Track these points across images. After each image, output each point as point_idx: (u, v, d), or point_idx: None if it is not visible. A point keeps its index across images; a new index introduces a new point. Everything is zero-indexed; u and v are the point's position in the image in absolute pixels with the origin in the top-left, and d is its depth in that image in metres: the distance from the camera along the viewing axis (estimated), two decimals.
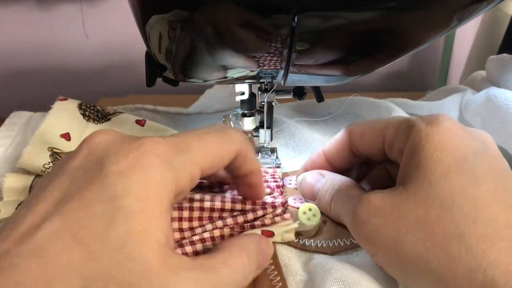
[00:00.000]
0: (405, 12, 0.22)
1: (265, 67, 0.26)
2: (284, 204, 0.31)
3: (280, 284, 0.26)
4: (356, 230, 0.26)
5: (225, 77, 0.28)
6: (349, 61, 0.26)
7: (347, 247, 0.29)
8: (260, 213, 0.29)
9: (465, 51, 0.85)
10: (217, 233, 0.26)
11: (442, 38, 0.86)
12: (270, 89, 0.33)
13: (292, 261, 0.28)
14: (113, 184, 0.20)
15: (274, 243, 0.29)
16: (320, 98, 0.35)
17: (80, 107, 0.38)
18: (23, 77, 0.99)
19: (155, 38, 0.25)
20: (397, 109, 0.44)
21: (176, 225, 0.27)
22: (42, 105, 0.37)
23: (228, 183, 0.32)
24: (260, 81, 0.31)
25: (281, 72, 0.27)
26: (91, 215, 0.19)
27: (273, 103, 0.35)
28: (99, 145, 0.22)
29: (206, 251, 0.26)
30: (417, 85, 1.06)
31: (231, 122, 0.36)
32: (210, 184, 0.32)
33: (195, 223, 0.27)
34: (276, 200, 0.31)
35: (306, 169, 0.34)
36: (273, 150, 0.38)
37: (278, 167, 0.37)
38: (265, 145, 0.37)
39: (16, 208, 0.32)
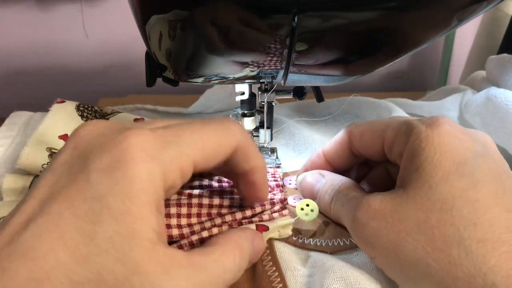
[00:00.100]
0: (405, 12, 0.22)
1: (265, 67, 0.26)
2: (283, 201, 0.31)
3: (278, 279, 0.26)
4: (355, 233, 0.26)
5: (225, 77, 0.28)
6: (349, 61, 0.26)
7: (346, 247, 0.29)
8: (258, 209, 0.29)
9: (465, 51, 0.85)
10: (215, 230, 0.26)
11: (442, 38, 0.86)
12: (270, 89, 0.33)
13: (291, 257, 0.28)
14: (96, 182, 0.19)
15: (272, 239, 0.29)
16: (320, 98, 0.35)
17: (78, 108, 0.38)
18: (23, 77, 0.99)
19: (155, 38, 0.25)
20: (397, 109, 0.44)
21: (174, 221, 0.27)
22: (42, 105, 0.37)
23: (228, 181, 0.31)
24: (260, 81, 0.31)
25: (281, 72, 0.27)
26: (77, 215, 0.18)
27: (273, 103, 0.35)
28: (83, 138, 0.21)
29: None
30: (417, 85, 1.06)
31: None
32: (209, 183, 0.32)
33: (194, 220, 0.27)
34: (275, 197, 0.31)
35: (306, 170, 0.34)
36: (273, 150, 0.38)
37: (278, 167, 0.37)
38: (265, 145, 0.37)
39: None
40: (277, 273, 0.27)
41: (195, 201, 0.28)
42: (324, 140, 0.41)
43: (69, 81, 0.99)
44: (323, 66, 0.26)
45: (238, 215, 0.28)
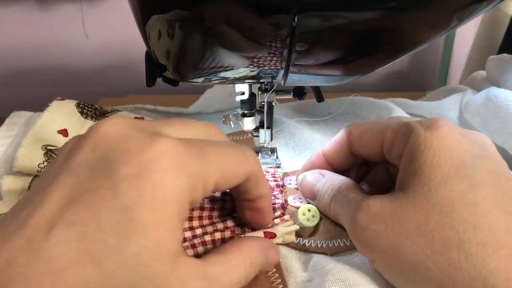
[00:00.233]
0: (405, 12, 0.22)
1: (265, 67, 0.26)
2: (284, 205, 0.31)
3: (281, 286, 0.26)
4: (355, 235, 0.26)
5: (225, 77, 0.28)
6: (349, 61, 0.26)
7: (347, 247, 0.29)
8: None
9: (465, 51, 0.85)
10: (218, 235, 0.26)
11: (442, 38, 0.86)
12: (270, 89, 0.33)
13: (292, 262, 0.28)
14: (123, 191, 0.18)
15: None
16: (320, 98, 0.35)
17: (78, 105, 0.38)
18: (23, 77, 0.99)
19: (155, 38, 0.25)
20: (397, 109, 0.44)
21: None
22: (42, 105, 0.38)
23: None
24: (260, 81, 0.31)
25: (281, 72, 0.27)
26: (101, 227, 0.17)
27: (273, 103, 0.35)
28: (105, 137, 0.20)
29: (206, 253, 0.26)
30: (417, 85, 1.06)
31: (231, 122, 0.36)
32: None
33: (195, 223, 0.27)
34: (276, 201, 0.31)
35: (305, 170, 0.34)
36: (273, 150, 0.38)
37: (278, 167, 0.37)
38: (265, 145, 0.37)
39: None
40: (279, 280, 0.27)
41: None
42: (324, 140, 0.41)
43: (69, 81, 0.99)
44: (323, 66, 0.26)
45: (240, 220, 0.28)
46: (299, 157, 0.40)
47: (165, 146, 0.19)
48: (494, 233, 0.21)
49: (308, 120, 0.46)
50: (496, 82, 0.47)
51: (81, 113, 0.38)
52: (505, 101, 0.39)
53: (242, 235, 0.27)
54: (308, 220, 0.30)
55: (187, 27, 0.23)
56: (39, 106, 0.44)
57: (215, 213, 0.28)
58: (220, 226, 0.27)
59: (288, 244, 0.29)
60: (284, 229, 0.29)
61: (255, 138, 0.43)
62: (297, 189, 0.34)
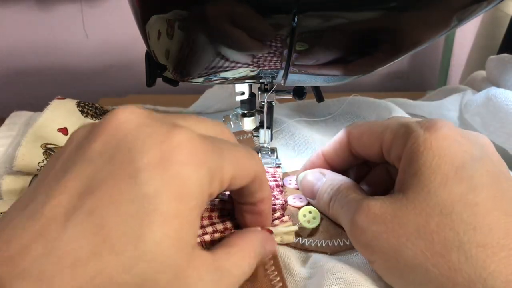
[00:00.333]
0: (405, 12, 0.22)
1: (265, 67, 0.26)
2: (284, 205, 0.31)
3: (280, 284, 0.26)
4: (355, 237, 0.26)
5: (225, 77, 0.28)
6: (349, 61, 0.26)
7: (346, 247, 0.29)
8: None
9: (465, 51, 0.85)
10: (217, 236, 0.27)
11: (442, 38, 0.86)
12: (270, 89, 0.33)
13: (291, 260, 0.28)
14: (144, 180, 0.18)
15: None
16: (320, 98, 0.35)
17: (78, 104, 0.38)
18: (23, 77, 0.99)
19: (155, 38, 0.25)
20: (397, 109, 0.44)
21: None
22: (42, 105, 0.38)
23: None
24: (260, 81, 0.31)
25: (281, 72, 0.27)
26: (122, 217, 0.17)
27: (273, 103, 0.35)
28: (122, 126, 0.19)
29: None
30: (417, 85, 1.06)
31: (231, 122, 0.36)
32: None
33: None
34: (276, 202, 0.31)
35: (305, 170, 0.34)
36: (273, 150, 0.38)
37: (278, 167, 0.37)
38: (265, 145, 0.37)
39: None
40: (279, 278, 0.27)
41: None
42: (324, 140, 0.41)
43: (69, 81, 0.99)
44: (323, 66, 0.26)
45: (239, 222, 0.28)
46: (299, 157, 0.40)
47: (186, 137, 0.19)
48: (494, 235, 0.21)
49: (308, 120, 0.46)
50: (496, 82, 0.47)
51: (82, 112, 0.38)
52: (505, 101, 0.39)
53: None
54: (308, 221, 0.30)
55: (187, 27, 0.23)
56: (39, 106, 0.44)
57: (214, 214, 0.28)
58: (220, 227, 0.27)
59: (287, 244, 0.29)
60: (283, 229, 0.29)
61: (255, 138, 0.43)
62: (297, 189, 0.34)
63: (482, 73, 0.53)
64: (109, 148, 0.19)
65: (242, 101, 0.35)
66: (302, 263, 0.29)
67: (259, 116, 0.36)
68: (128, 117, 0.20)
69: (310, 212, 0.30)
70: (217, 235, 0.27)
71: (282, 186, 0.34)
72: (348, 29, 0.22)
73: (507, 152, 0.40)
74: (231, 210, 0.28)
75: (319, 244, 0.29)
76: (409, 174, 0.24)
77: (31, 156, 0.34)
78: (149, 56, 0.29)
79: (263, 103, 0.34)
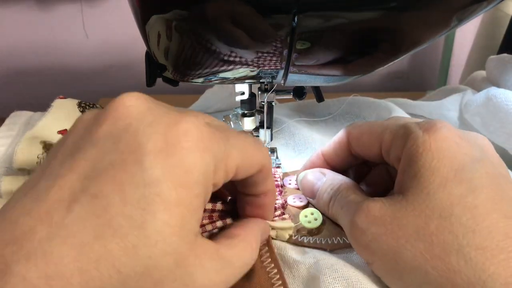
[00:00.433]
0: (405, 12, 0.22)
1: (265, 67, 0.26)
2: (284, 205, 0.31)
3: (278, 276, 0.26)
4: (354, 238, 0.26)
5: (225, 77, 0.28)
6: (349, 61, 0.26)
7: (346, 245, 0.29)
8: None
9: (465, 51, 0.85)
10: (216, 231, 0.26)
11: (442, 38, 0.86)
12: (270, 89, 0.33)
13: (287, 252, 0.28)
14: (150, 166, 0.17)
15: (269, 236, 0.29)
16: (320, 98, 0.35)
17: (79, 105, 0.38)
18: (23, 77, 0.99)
19: (155, 38, 0.25)
20: (397, 109, 0.44)
21: None
22: (42, 105, 0.38)
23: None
24: (260, 81, 0.31)
25: (281, 72, 0.27)
26: (127, 201, 0.17)
27: (273, 103, 0.35)
28: (129, 109, 0.19)
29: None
30: (417, 85, 1.06)
31: (231, 122, 0.36)
32: None
33: None
34: (276, 202, 0.31)
35: (305, 170, 0.34)
36: (273, 150, 0.38)
37: (278, 167, 0.37)
38: (265, 145, 0.37)
39: None
40: (276, 270, 0.27)
41: None
42: (324, 140, 0.41)
43: (69, 81, 0.99)
44: (323, 66, 0.26)
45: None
46: (299, 157, 0.40)
47: (193, 125, 0.19)
48: (493, 237, 0.21)
49: (308, 120, 0.46)
50: (496, 82, 0.47)
51: (82, 112, 0.38)
52: (505, 101, 0.39)
53: None
54: (309, 221, 0.30)
55: (187, 27, 0.23)
56: (39, 106, 0.44)
57: (215, 214, 0.28)
58: (219, 223, 0.27)
59: (287, 241, 0.29)
60: (281, 224, 0.29)
61: None
62: (297, 189, 0.34)
63: (482, 73, 0.53)
64: (116, 132, 0.19)
65: (242, 101, 0.35)
66: (301, 256, 0.28)
67: (259, 116, 0.36)
68: (134, 102, 0.20)
69: (312, 213, 0.30)
70: (215, 231, 0.27)
71: (282, 186, 0.34)
72: (348, 29, 0.22)
73: (507, 152, 0.40)
74: (232, 211, 0.28)
75: (318, 241, 0.29)
76: (408, 176, 0.24)
77: (30, 150, 0.34)
78: (149, 56, 0.29)
79: (263, 103, 0.34)
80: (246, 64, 0.25)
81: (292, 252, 0.28)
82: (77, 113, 0.38)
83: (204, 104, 0.50)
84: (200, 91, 0.50)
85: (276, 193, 0.32)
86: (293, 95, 0.34)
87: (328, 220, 0.30)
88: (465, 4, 0.22)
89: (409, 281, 0.23)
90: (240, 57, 0.24)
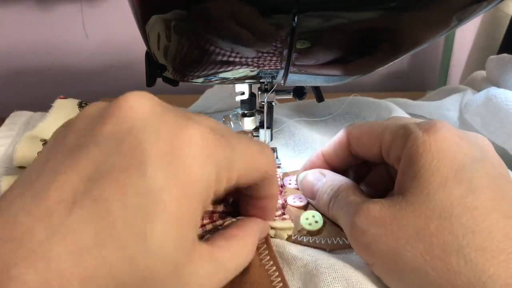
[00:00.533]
0: (405, 12, 0.22)
1: (265, 67, 0.26)
2: (284, 205, 0.31)
3: (277, 273, 0.26)
4: (354, 239, 0.26)
5: (225, 77, 0.28)
6: (349, 61, 0.26)
7: (346, 245, 0.29)
8: None
9: (465, 51, 0.85)
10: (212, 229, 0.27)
11: (442, 38, 0.86)
12: (270, 89, 0.33)
13: (287, 250, 0.28)
14: (152, 173, 0.17)
15: (268, 235, 0.29)
16: (320, 98, 0.35)
17: (80, 105, 0.38)
18: (23, 77, 0.99)
19: (155, 38, 0.25)
20: (397, 109, 0.44)
21: None
22: (42, 105, 0.38)
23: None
24: (260, 81, 0.31)
25: (281, 72, 0.27)
26: (128, 208, 0.17)
27: (273, 103, 0.35)
28: (134, 111, 0.19)
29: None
30: (417, 85, 1.06)
31: (231, 122, 0.36)
32: None
33: None
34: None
35: (305, 170, 0.34)
36: (273, 150, 0.38)
37: (278, 167, 0.37)
38: None
39: None
40: (274, 267, 0.26)
41: None
42: (324, 140, 0.41)
43: (69, 81, 0.99)
44: (323, 66, 0.26)
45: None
46: (299, 157, 0.40)
47: (198, 132, 0.19)
48: (493, 238, 0.21)
49: (308, 120, 0.46)
50: (496, 82, 0.47)
51: None
52: (505, 101, 0.39)
53: None
54: (310, 224, 0.30)
55: (187, 27, 0.23)
56: (39, 106, 0.44)
57: (216, 214, 0.28)
58: (219, 222, 0.27)
59: (286, 240, 0.29)
60: (280, 224, 0.29)
61: (255, 138, 0.43)
62: (297, 189, 0.34)
63: (482, 73, 0.53)
64: (119, 133, 0.18)
65: (242, 101, 0.35)
66: (300, 253, 0.28)
67: (259, 116, 0.36)
68: (141, 103, 0.19)
69: (313, 216, 0.30)
70: (215, 229, 0.27)
71: (282, 186, 0.34)
72: (348, 29, 0.22)
73: (507, 152, 0.40)
74: (233, 212, 0.28)
75: (317, 241, 0.29)
76: (408, 176, 0.24)
77: (30, 148, 0.34)
78: (149, 56, 0.29)
79: (263, 103, 0.34)
80: (246, 64, 0.25)
81: (290, 248, 0.28)
82: (77, 113, 0.38)
83: (204, 104, 0.50)
84: (200, 91, 0.50)
85: None
86: (293, 95, 0.34)
87: (328, 221, 0.30)
88: (465, 4, 0.22)
89: (409, 282, 0.23)
90: (240, 57, 0.24)
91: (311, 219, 0.30)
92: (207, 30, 0.22)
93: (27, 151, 0.34)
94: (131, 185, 0.17)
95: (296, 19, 0.21)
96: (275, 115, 0.39)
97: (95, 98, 0.73)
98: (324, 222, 0.30)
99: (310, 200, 0.32)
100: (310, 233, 0.30)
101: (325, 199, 0.30)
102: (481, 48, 0.78)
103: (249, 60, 0.25)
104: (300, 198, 0.33)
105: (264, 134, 0.37)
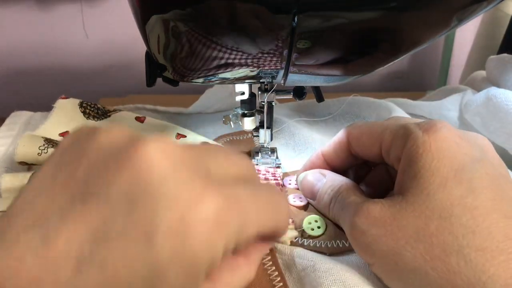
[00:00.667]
0: (405, 12, 0.22)
1: (265, 67, 0.26)
2: None
3: (279, 278, 0.26)
4: (354, 239, 0.26)
5: (225, 77, 0.28)
6: (349, 61, 0.26)
7: (346, 248, 0.29)
8: None
9: (465, 51, 0.85)
10: None
11: (442, 38, 0.86)
12: (270, 89, 0.33)
13: (288, 256, 0.28)
14: (160, 247, 0.17)
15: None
16: (320, 98, 0.35)
17: (81, 105, 0.39)
18: (23, 77, 0.99)
19: (155, 38, 0.25)
20: (397, 109, 0.44)
21: None
22: (42, 105, 0.38)
23: None
24: (260, 81, 0.31)
25: (281, 72, 0.27)
26: (132, 278, 0.17)
27: (273, 103, 0.35)
28: (153, 168, 0.17)
29: None
30: (417, 85, 1.06)
31: (231, 122, 0.36)
32: None
33: None
34: None
35: (305, 170, 0.34)
36: (273, 150, 0.38)
37: (278, 167, 0.37)
38: (265, 145, 0.37)
39: None
40: (277, 273, 0.27)
41: None
42: (324, 140, 0.41)
43: (69, 81, 0.99)
44: (323, 66, 0.26)
45: None
46: (299, 157, 0.40)
47: (212, 204, 0.18)
48: (493, 238, 0.21)
49: (308, 120, 0.46)
50: (496, 82, 0.47)
51: (84, 113, 0.38)
52: (505, 101, 0.39)
53: None
54: (312, 229, 0.30)
55: (187, 27, 0.23)
56: (39, 106, 0.44)
57: None
58: None
59: (284, 242, 0.29)
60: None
61: (255, 138, 0.43)
62: (297, 189, 0.34)
63: (482, 73, 0.53)
64: (131, 191, 0.17)
65: (242, 101, 0.35)
66: (300, 259, 0.28)
67: (259, 116, 0.36)
68: (158, 156, 0.18)
69: (316, 221, 0.30)
70: None
71: (282, 186, 0.34)
72: (348, 29, 0.23)
73: (507, 152, 0.40)
74: None
75: (318, 245, 0.29)
76: (408, 176, 0.24)
77: (31, 143, 0.34)
78: (149, 56, 0.29)
79: (263, 103, 0.34)
80: (246, 64, 0.25)
81: (291, 251, 0.28)
82: (78, 113, 0.38)
83: (204, 104, 0.50)
84: (200, 91, 0.50)
85: None
86: (293, 95, 0.34)
87: (330, 224, 0.30)
88: (465, 4, 0.22)
89: (409, 282, 0.23)
90: (240, 58, 0.24)
91: (314, 224, 0.30)
92: (207, 30, 0.22)
93: (28, 147, 0.34)
94: (138, 253, 0.17)
95: (296, 19, 0.21)
96: (275, 115, 0.39)
97: (95, 98, 0.73)
98: (326, 227, 0.30)
99: (310, 201, 0.32)
100: (312, 237, 0.30)
101: (325, 199, 0.30)
102: (481, 48, 0.78)
103: (249, 60, 0.25)
104: (300, 197, 0.33)
105: (264, 134, 0.37)
